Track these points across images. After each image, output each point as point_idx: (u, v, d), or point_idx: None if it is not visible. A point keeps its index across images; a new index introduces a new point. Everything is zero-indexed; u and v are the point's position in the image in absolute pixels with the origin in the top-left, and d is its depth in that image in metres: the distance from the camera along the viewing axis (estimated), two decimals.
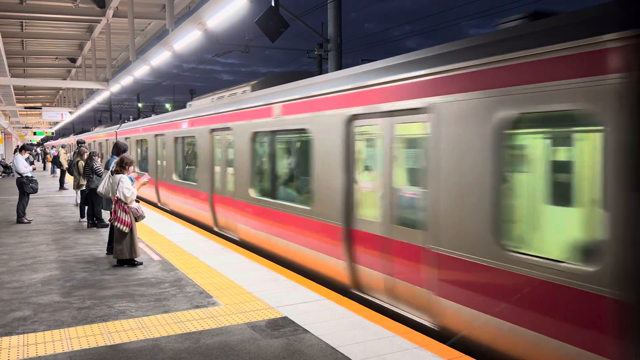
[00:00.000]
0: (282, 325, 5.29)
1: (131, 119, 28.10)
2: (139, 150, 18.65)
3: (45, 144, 71.00)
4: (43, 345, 4.81)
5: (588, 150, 3.98)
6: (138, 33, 17.17)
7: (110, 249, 8.68)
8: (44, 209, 14.99)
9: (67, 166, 20.62)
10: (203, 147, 11.57)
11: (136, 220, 7.91)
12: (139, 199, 8.27)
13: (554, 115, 4.10)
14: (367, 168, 6.42)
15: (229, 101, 10.50)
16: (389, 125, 5.87)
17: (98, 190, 8.47)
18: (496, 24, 4.96)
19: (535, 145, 4.53)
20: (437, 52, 5.24)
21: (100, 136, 27.89)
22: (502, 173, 4.49)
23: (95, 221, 11.71)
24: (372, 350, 4.63)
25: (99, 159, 12.50)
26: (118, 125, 23.68)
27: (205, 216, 11.46)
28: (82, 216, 12.75)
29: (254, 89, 10.04)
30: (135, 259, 7.95)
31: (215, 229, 10.97)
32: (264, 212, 8.64)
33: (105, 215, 10.42)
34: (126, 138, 20.21)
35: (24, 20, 16.28)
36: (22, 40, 19.36)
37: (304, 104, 7.49)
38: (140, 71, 14.15)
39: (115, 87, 18.07)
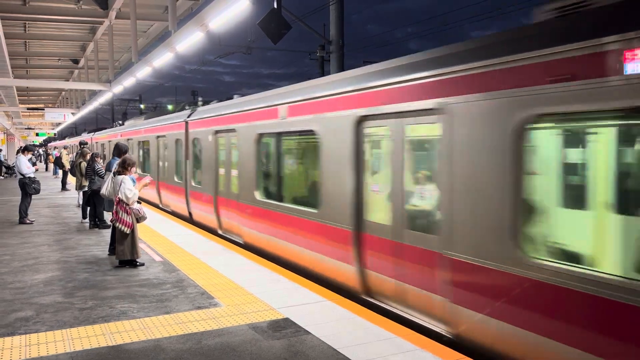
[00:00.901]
0: (283, 327, 5.30)
1: (200, 103, 15.69)
2: (264, 160, 9.41)
3: (48, 144, 69.81)
4: (45, 345, 4.82)
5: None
6: (140, 34, 17.20)
7: (112, 250, 8.70)
8: (46, 210, 15.02)
9: (69, 167, 20.65)
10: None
11: (138, 222, 7.93)
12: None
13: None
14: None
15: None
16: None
17: (101, 192, 8.49)
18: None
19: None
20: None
21: (148, 131, 17.10)
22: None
23: (97, 222, 11.73)
24: (374, 352, 4.63)
25: (102, 160, 12.45)
26: (188, 112, 13.72)
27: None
28: (84, 217, 12.77)
29: None
30: (137, 259, 7.96)
31: None
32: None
33: (107, 216, 10.44)
34: (216, 132, 11.18)
35: (26, 22, 16.33)
36: (25, 42, 19.41)
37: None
38: (142, 72, 14.18)
39: (117, 89, 18.10)
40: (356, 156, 6.43)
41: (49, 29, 17.58)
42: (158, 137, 16.04)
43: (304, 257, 7.63)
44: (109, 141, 25.06)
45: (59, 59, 23.24)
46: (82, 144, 14.62)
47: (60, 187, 21.96)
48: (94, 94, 25.03)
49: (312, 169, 8.02)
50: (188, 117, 13.35)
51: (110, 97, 22.28)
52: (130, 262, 7.94)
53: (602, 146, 4.14)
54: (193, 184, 12.73)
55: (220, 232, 11.02)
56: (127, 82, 16.42)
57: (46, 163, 41.20)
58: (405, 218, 5.72)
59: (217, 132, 11.21)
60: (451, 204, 5.00)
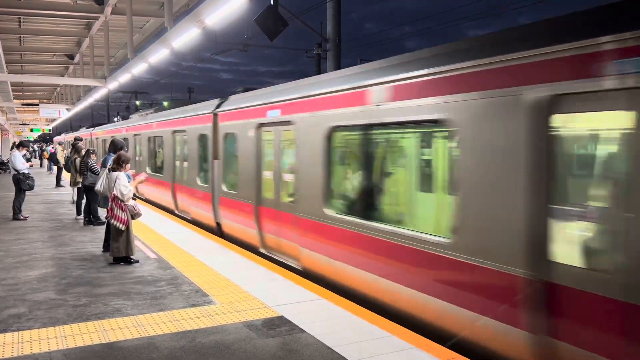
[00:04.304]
0: (278, 325, 5.28)
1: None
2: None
3: (56, 137, 64.53)
4: (38, 342, 4.79)
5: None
6: (136, 31, 17.09)
7: (106, 247, 8.66)
8: (40, 206, 14.94)
9: (64, 163, 20.54)
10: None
11: (132, 218, 7.89)
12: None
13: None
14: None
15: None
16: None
17: (96, 188, 8.45)
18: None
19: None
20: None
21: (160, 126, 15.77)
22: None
23: (91, 219, 11.67)
24: (369, 351, 4.62)
25: (95, 157, 12.38)
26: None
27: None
28: (78, 213, 12.72)
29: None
30: (132, 256, 7.92)
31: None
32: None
33: (102, 212, 10.39)
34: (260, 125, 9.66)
35: (21, 17, 16.20)
36: (20, 37, 19.25)
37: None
38: (138, 69, 14.11)
39: (113, 85, 18.00)
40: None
41: (44, 24, 17.44)
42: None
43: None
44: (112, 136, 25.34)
45: (54, 55, 23.08)
46: (77, 139, 14.54)
47: (55, 183, 21.87)
48: (89, 90, 24.86)
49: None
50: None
51: (105, 93, 22.14)
52: (125, 259, 7.90)
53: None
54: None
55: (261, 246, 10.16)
56: (123, 79, 16.33)
57: (41, 159, 40.98)
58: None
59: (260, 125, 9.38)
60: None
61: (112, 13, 14.71)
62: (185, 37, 9.85)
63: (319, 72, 17.80)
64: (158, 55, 11.83)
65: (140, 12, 14.70)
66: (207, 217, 11.54)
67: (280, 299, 6.12)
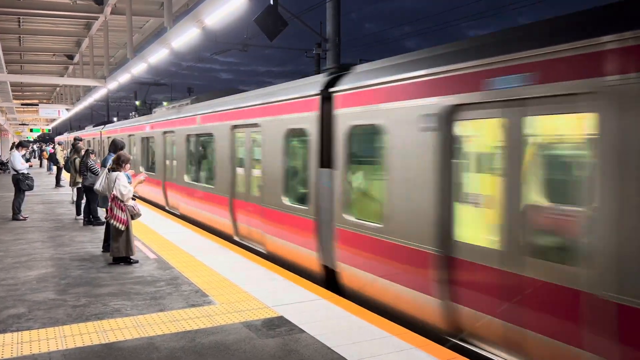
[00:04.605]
0: (278, 325, 5.28)
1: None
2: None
3: (57, 137, 61.03)
4: (37, 343, 4.78)
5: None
6: (136, 30, 17.09)
7: (106, 247, 8.66)
8: (39, 206, 14.93)
9: (63, 163, 20.54)
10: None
11: (132, 218, 7.88)
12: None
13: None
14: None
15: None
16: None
17: (95, 187, 8.44)
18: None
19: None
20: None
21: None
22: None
23: (91, 219, 11.67)
24: (369, 351, 4.62)
25: (95, 157, 12.36)
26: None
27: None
28: (78, 214, 12.71)
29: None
30: (131, 257, 7.92)
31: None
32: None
33: (101, 212, 10.39)
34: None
35: (21, 17, 16.20)
36: (20, 37, 19.25)
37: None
38: (138, 69, 14.11)
39: (112, 85, 18.01)
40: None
41: (44, 24, 17.43)
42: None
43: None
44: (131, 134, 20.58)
45: (54, 55, 23.08)
46: (77, 139, 14.53)
47: (55, 183, 21.87)
48: (89, 90, 24.85)
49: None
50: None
51: (105, 93, 22.14)
52: (125, 259, 7.89)
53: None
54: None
55: None
56: (123, 79, 16.35)
57: (40, 159, 40.98)
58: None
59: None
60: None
61: (111, 13, 14.71)
62: (184, 37, 9.85)
63: (318, 72, 17.79)
64: (158, 55, 11.83)
65: (139, 12, 14.69)
66: (304, 256, 7.65)
67: (280, 299, 6.12)
